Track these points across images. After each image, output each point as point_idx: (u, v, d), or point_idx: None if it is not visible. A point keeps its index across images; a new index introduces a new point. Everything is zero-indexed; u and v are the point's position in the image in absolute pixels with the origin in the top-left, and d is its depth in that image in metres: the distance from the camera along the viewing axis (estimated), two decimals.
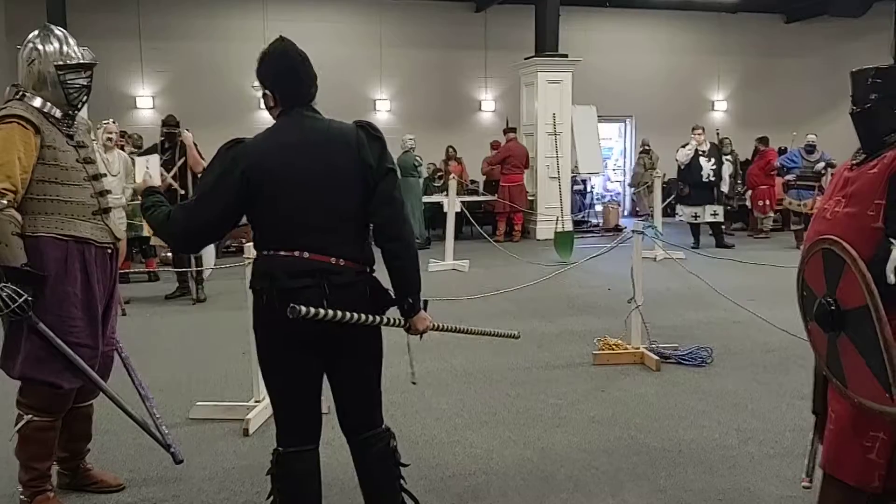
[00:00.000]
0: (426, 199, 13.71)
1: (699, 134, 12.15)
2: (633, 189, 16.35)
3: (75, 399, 3.42)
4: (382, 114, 16.34)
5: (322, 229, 2.65)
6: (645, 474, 3.81)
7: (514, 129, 13.78)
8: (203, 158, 8.03)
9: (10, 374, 3.29)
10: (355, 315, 2.64)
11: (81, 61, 3.36)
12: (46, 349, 3.18)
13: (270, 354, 2.77)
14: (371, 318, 2.69)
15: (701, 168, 12.03)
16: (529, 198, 13.71)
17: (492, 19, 16.52)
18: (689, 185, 11.97)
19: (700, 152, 12.06)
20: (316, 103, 2.83)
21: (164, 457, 3.99)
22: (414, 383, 2.96)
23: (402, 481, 2.97)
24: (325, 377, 2.85)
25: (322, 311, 2.57)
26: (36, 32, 3.35)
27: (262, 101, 2.81)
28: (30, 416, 3.24)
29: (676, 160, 12.17)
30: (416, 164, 12.66)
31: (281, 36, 2.79)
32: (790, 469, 3.81)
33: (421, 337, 2.89)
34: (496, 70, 16.53)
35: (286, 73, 2.72)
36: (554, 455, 4.05)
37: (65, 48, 3.32)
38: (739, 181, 13.95)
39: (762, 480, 3.72)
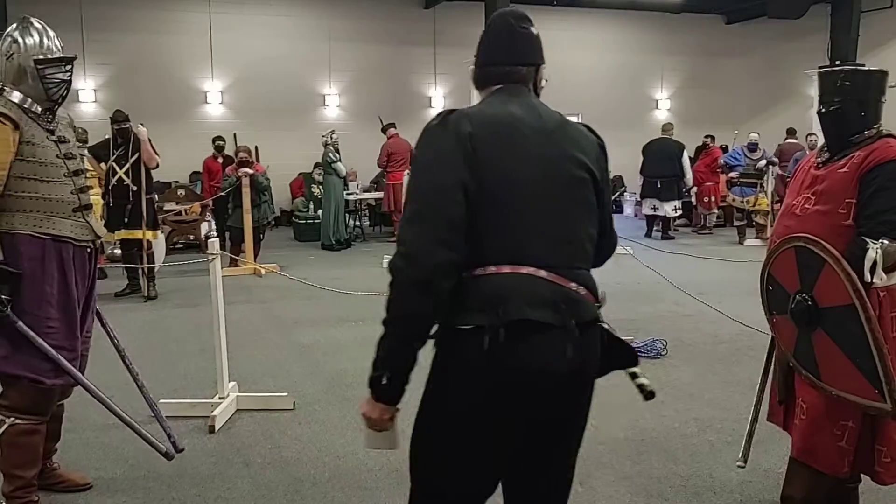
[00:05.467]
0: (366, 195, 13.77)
1: None
2: None
3: None
4: (332, 109, 16.25)
5: (558, 240, 1.97)
6: (610, 462, 3.92)
7: (392, 125, 12.97)
8: (157, 154, 7.89)
9: None
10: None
11: (62, 55, 3.25)
12: (27, 345, 3.07)
13: (467, 419, 1.94)
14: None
15: None
16: None
17: (440, 15, 16.55)
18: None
19: None
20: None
21: (130, 455, 3.97)
22: None
23: None
24: None
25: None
26: (14, 25, 3.24)
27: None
28: (12, 418, 3.10)
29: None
30: (329, 160, 11.73)
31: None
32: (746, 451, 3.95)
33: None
34: (445, 66, 16.58)
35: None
36: None
37: (45, 41, 3.21)
38: None
39: (722, 466, 3.86)
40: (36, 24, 3.25)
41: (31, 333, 3.06)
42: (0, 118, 3.06)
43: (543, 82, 2.18)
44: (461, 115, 1.96)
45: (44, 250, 3.14)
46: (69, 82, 3.29)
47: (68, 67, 3.28)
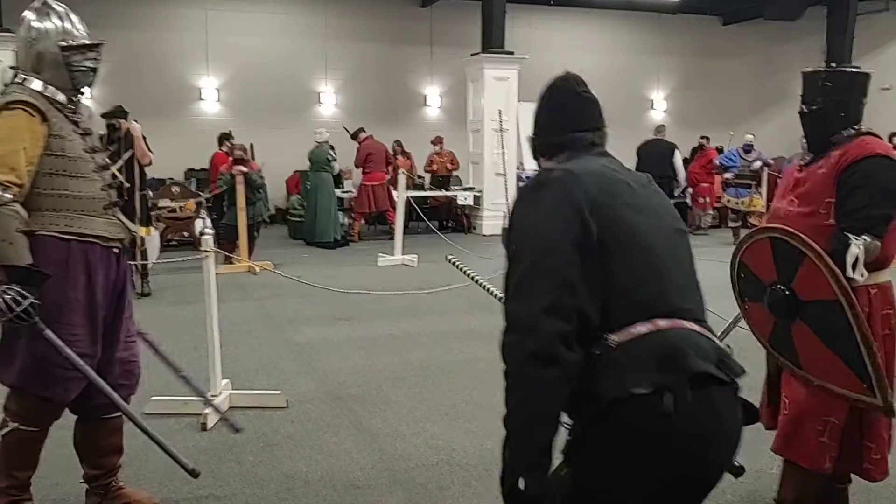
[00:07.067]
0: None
1: None
2: None
3: (103, 410, 3.21)
4: (328, 107, 16.24)
5: (691, 292, 1.85)
6: None
7: (362, 129, 13.00)
8: (151, 151, 7.86)
9: (2, 382, 3.05)
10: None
11: (86, 41, 3.04)
12: (45, 360, 2.92)
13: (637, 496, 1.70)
14: None
15: None
16: (476, 193, 13.82)
17: (437, 14, 16.56)
18: None
19: None
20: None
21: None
22: None
23: None
24: None
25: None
26: (33, 7, 3.02)
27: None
28: (15, 424, 3.02)
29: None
30: (329, 158, 11.98)
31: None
32: (740, 456, 3.95)
33: None
34: (442, 65, 16.58)
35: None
36: None
37: (66, 25, 3.00)
38: None
39: None
40: (56, 7, 3.04)
41: (59, 342, 2.88)
42: (28, 109, 2.87)
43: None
44: (567, 172, 1.82)
45: (68, 253, 2.97)
46: (96, 70, 3.08)
47: (96, 54, 3.07)
